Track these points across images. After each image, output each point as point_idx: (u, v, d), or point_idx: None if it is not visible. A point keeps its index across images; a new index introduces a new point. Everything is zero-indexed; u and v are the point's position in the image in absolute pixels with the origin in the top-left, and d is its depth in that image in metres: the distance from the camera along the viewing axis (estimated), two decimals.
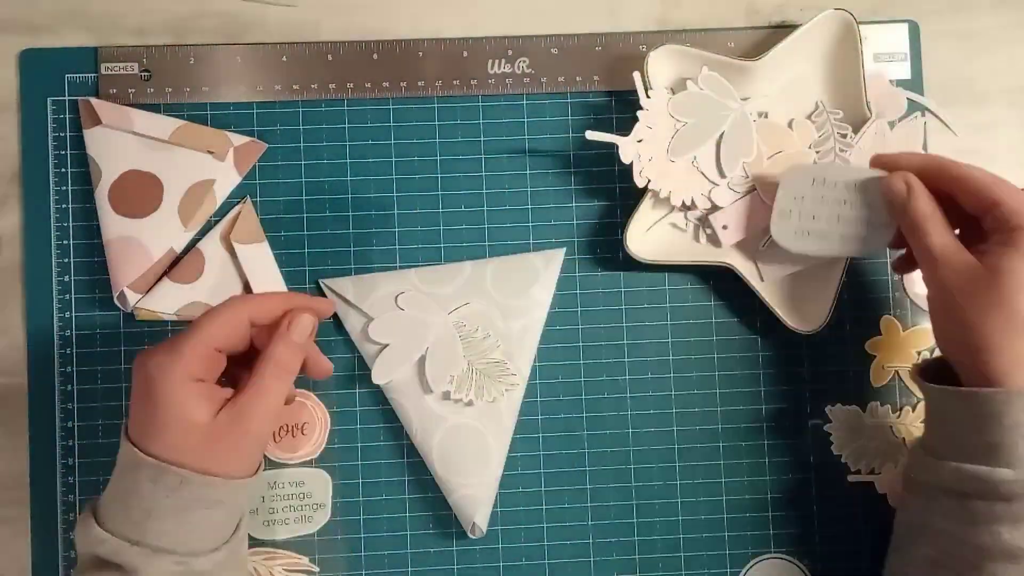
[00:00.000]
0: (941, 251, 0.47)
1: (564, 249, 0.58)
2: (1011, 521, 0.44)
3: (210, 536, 0.46)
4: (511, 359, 0.56)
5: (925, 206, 0.48)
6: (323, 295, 0.57)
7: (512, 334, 0.56)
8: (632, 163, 0.55)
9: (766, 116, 0.57)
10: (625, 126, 0.56)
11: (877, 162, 0.52)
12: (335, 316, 0.57)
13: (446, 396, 0.56)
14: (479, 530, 0.55)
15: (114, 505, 0.45)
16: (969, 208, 0.48)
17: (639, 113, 0.55)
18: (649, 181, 0.55)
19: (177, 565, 0.44)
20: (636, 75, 0.55)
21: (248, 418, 0.46)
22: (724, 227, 0.56)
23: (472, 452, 0.56)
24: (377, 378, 0.55)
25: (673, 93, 0.56)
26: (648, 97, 0.55)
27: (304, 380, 0.56)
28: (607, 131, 0.56)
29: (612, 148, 0.56)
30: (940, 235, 0.48)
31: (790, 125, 0.57)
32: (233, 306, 0.47)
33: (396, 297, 0.56)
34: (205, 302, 0.56)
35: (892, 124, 0.56)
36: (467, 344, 0.56)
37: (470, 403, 0.56)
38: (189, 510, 0.45)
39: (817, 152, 0.56)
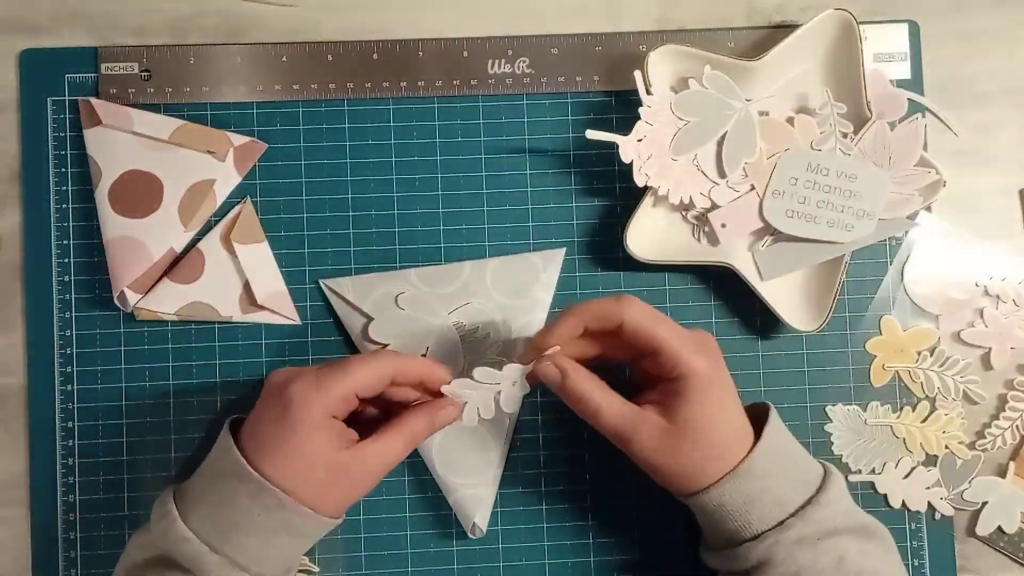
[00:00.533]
0: (608, 419, 0.48)
1: (564, 249, 0.58)
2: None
3: (281, 563, 0.48)
4: (511, 359, 0.56)
5: (577, 385, 0.49)
6: (323, 294, 0.57)
7: (512, 333, 0.56)
8: (632, 161, 0.55)
9: (767, 115, 0.57)
10: (625, 126, 0.56)
11: (535, 347, 0.50)
12: (334, 316, 0.57)
13: None
14: (479, 530, 0.55)
15: (202, 505, 0.46)
16: (633, 354, 0.50)
17: (640, 110, 0.55)
18: (648, 179, 0.55)
19: None
20: (637, 74, 0.55)
21: (367, 467, 0.48)
22: (723, 226, 0.56)
23: (472, 452, 0.56)
24: None
25: (676, 92, 0.56)
26: (649, 94, 0.55)
27: None
28: (607, 131, 0.56)
29: (612, 148, 0.56)
30: (607, 404, 0.48)
31: (791, 122, 0.56)
32: (385, 362, 0.49)
33: (396, 297, 0.56)
34: (205, 302, 0.56)
35: (892, 125, 0.56)
36: (467, 344, 0.56)
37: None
38: (275, 533, 0.46)
39: (819, 151, 0.56)
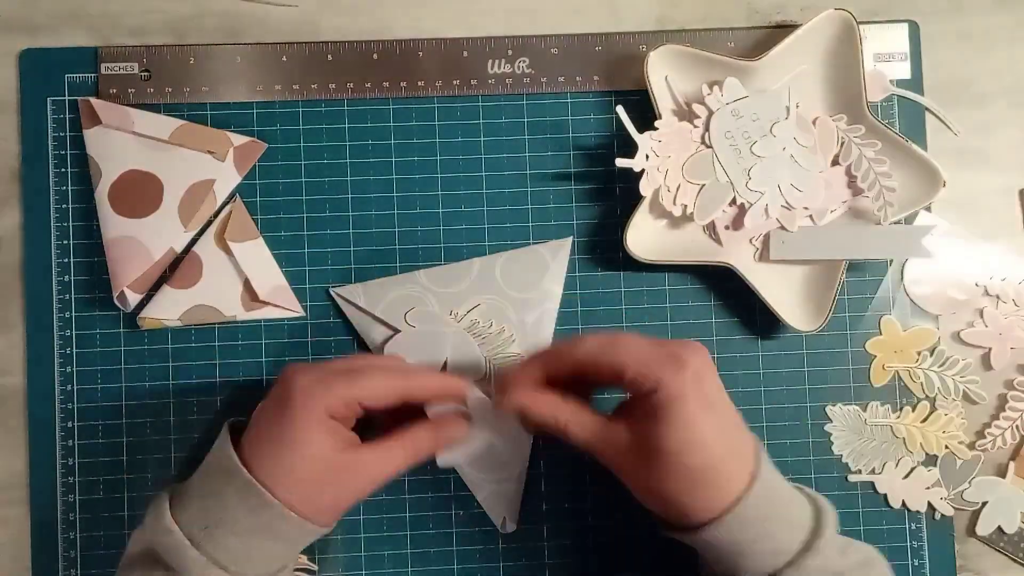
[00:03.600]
0: (578, 435, 0.46)
1: (571, 238, 0.58)
2: None
3: (263, 566, 0.46)
4: (527, 352, 0.56)
5: (539, 411, 0.47)
6: (335, 304, 0.57)
7: (527, 327, 0.57)
8: (643, 172, 0.55)
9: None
10: (625, 126, 0.56)
11: (499, 387, 0.49)
12: (345, 319, 0.57)
13: None
14: (511, 525, 0.55)
15: (192, 500, 0.46)
16: (605, 383, 0.47)
17: (658, 123, 0.56)
18: (658, 191, 0.56)
19: None
20: (655, 84, 0.56)
21: (363, 473, 0.47)
22: (726, 227, 0.56)
23: (498, 447, 0.55)
24: None
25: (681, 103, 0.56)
26: (658, 117, 0.55)
27: None
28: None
29: (612, 148, 0.56)
30: (575, 420, 0.46)
31: (814, 122, 0.57)
32: (396, 382, 0.47)
33: (405, 315, 0.56)
34: (208, 304, 0.56)
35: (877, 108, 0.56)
36: (483, 340, 0.56)
37: (491, 396, 0.56)
38: (258, 535, 0.45)
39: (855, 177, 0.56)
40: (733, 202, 0.56)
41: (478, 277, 0.57)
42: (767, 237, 0.57)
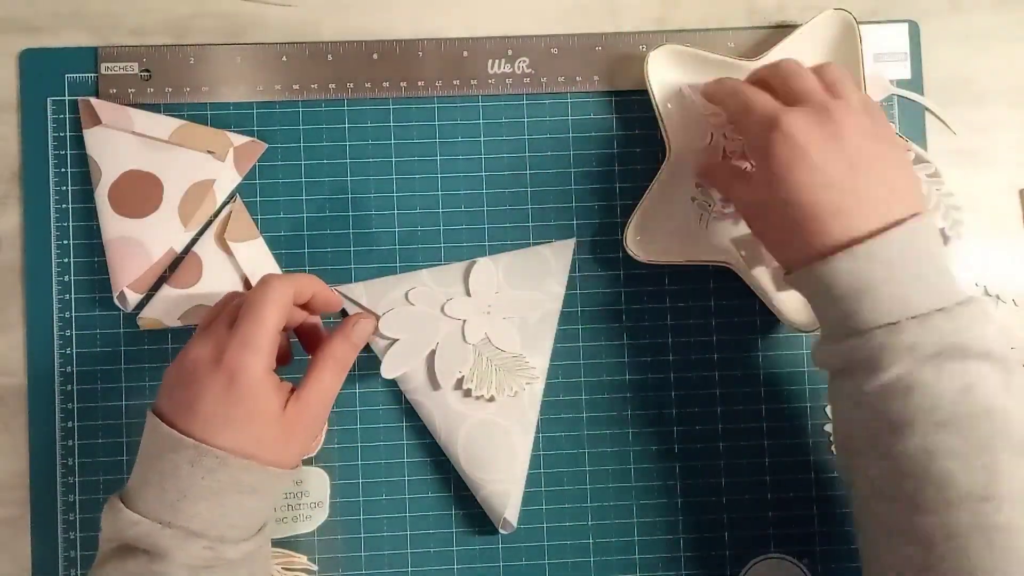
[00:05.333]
0: (774, 110, 0.47)
1: (575, 239, 0.58)
2: (884, 388, 0.42)
3: (240, 524, 0.46)
4: (529, 352, 0.56)
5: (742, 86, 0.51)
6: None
7: (528, 326, 0.57)
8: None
9: None
10: (625, 126, 0.56)
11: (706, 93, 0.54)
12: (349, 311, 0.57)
13: (467, 393, 0.56)
14: (510, 525, 0.55)
15: (146, 488, 0.45)
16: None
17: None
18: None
19: (207, 550, 0.44)
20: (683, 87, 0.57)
21: (311, 410, 0.48)
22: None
23: (497, 447, 0.56)
24: (386, 372, 0.55)
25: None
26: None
27: None
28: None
29: (612, 148, 0.56)
30: (766, 99, 0.49)
31: None
32: (281, 288, 0.47)
33: (407, 292, 0.56)
34: (208, 305, 0.56)
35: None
36: (480, 344, 0.56)
37: (491, 399, 0.56)
38: (223, 493, 0.45)
39: None
40: None
41: (480, 276, 0.57)
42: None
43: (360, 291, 0.57)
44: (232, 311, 0.48)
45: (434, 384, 0.56)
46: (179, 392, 0.46)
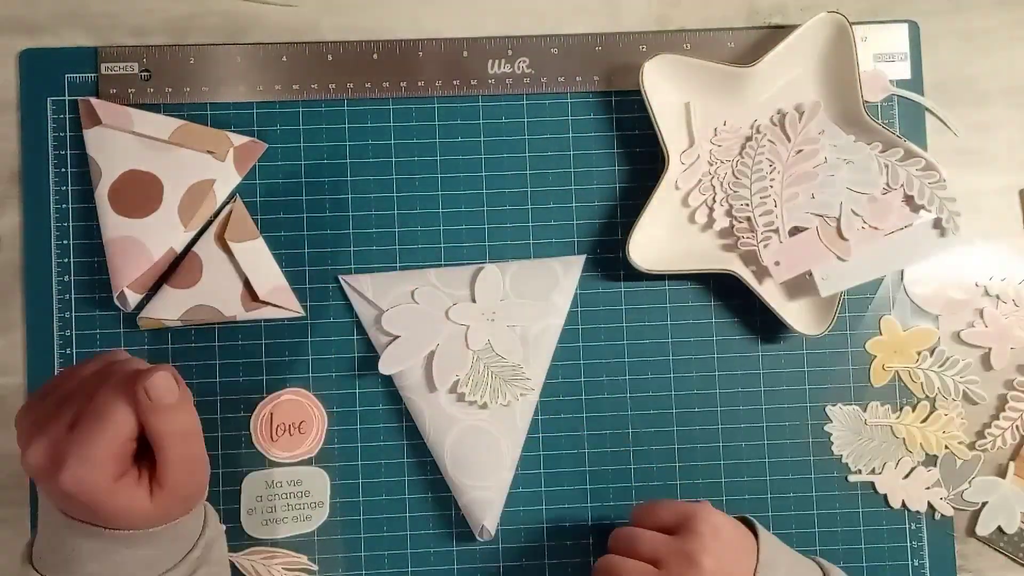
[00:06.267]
0: None
1: (584, 256, 0.58)
2: None
3: (141, 572, 0.43)
4: (527, 364, 0.56)
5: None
6: (342, 290, 0.57)
7: (530, 338, 0.56)
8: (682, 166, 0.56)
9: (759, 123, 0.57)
10: (625, 126, 0.56)
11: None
12: (346, 315, 0.57)
13: (460, 397, 0.56)
14: (488, 532, 0.55)
15: (44, 550, 0.43)
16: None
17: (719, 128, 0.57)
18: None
19: None
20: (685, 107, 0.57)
21: (180, 489, 0.42)
22: (776, 263, 0.56)
23: (485, 455, 0.56)
24: (384, 368, 0.55)
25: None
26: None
27: (303, 378, 0.56)
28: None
29: (612, 148, 0.56)
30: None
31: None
32: (116, 407, 0.40)
33: (412, 291, 0.56)
34: (208, 304, 0.56)
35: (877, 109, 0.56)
36: (481, 351, 0.56)
37: (484, 406, 0.56)
38: (109, 552, 0.42)
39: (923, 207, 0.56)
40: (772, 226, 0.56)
41: (487, 281, 0.57)
42: (808, 275, 0.56)
43: (367, 283, 0.57)
44: (73, 404, 0.41)
45: (430, 386, 0.56)
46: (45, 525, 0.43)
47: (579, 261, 0.58)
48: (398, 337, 0.56)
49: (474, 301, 0.56)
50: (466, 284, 0.57)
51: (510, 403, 0.56)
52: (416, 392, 0.56)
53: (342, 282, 0.57)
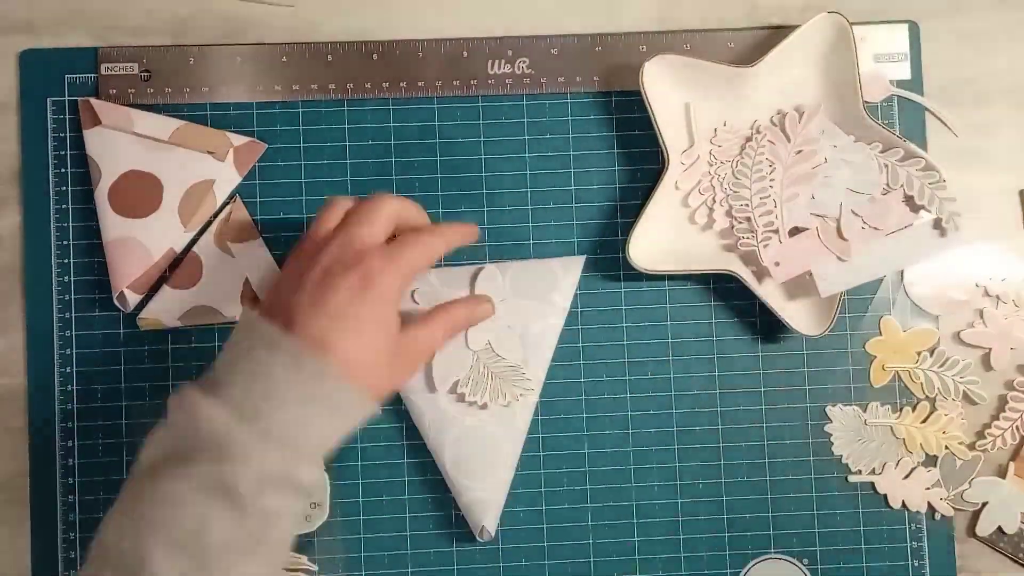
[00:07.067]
0: None
1: (584, 257, 0.58)
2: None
3: (316, 442, 0.44)
4: (526, 364, 0.56)
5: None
6: None
7: (529, 337, 0.56)
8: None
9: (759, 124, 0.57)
10: (625, 126, 0.56)
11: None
12: None
13: (460, 398, 0.56)
14: (487, 533, 0.55)
15: (229, 388, 0.42)
16: None
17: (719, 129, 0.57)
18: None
19: (281, 462, 0.41)
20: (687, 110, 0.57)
21: (416, 350, 0.49)
22: (776, 264, 0.56)
23: (484, 455, 0.56)
24: None
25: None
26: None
27: None
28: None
29: (611, 148, 0.56)
30: None
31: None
32: (437, 245, 0.49)
33: (412, 293, 0.56)
34: (207, 305, 0.56)
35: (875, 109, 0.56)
36: (482, 350, 0.56)
37: (484, 406, 0.56)
38: (311, 406, 0.43)
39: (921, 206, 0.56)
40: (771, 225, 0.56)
41: (487, 282, 0.57)
42: (808, 275, 0.56)
43: None
44: (407, 238, 0.48)
45: (430, 386, 0.56)
46: (300, 294, 0.45)
47: (579, 261, 0.58)
48: None
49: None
50: (466, 284, 0.57)
51: (510, 403, 0.56)
52: (416, 392, 0.56)
53: None
